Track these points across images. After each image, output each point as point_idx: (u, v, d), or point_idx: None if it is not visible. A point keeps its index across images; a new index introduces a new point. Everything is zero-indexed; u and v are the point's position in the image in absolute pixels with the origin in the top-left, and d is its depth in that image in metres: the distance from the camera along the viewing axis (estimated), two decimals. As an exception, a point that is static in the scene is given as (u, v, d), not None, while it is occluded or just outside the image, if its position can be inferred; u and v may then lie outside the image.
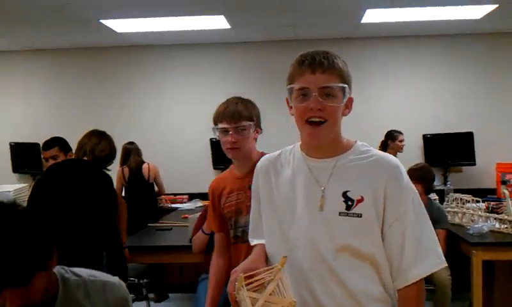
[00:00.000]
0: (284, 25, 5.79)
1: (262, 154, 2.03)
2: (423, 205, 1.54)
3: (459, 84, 6.49)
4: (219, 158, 6.07)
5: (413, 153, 6.07)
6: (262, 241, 1.68)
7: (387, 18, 5.61)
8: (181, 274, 3.96)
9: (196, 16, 5.30)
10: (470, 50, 6.48)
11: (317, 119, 1.46)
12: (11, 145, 6.50)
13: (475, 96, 6.46)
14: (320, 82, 1.45)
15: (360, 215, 1.47)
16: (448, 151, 6.27)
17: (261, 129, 2.28)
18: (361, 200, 1.48)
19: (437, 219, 4.05)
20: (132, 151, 5.71)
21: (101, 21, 5.37)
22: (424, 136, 6.38)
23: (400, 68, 6.49)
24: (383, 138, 5.96)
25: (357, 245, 1.47)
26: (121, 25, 5.62)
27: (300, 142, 1.63)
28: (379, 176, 1.49)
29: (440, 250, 1.51)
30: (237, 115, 2.14)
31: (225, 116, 2.15)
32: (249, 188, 1.84)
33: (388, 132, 5.96)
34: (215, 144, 6.37)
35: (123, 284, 1.72)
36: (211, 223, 2.43)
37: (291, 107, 1.53)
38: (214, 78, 6.65)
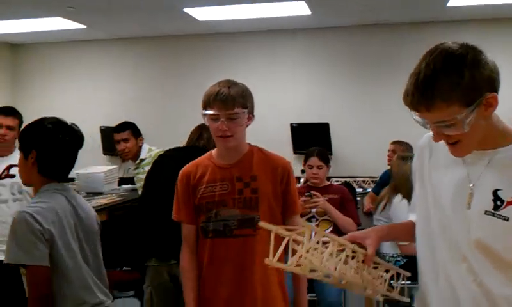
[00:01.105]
0: (366, 10, 5.70)
1: (251, 146, 2.10)
2: None
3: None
4: (300, 144, 6.11)
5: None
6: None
7: (474, 1, 5.41)
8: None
9: (276, 3, 5.33)
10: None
11: (450, 142, 1.34)
12: (101, 129, 6.87)
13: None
14: (431, 119, 1.29)
15: (507, 219, 1.30)
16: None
17: (253, 116, 2.05)
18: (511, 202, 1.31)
19: None
20: (203, 130, 5.81)
21: (184, 10, 5.54)
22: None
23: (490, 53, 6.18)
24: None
25: (499, 249, 1.33)
26: (203, 13, 5.76)
27: None
28: None
29: None
30: (231, 101, 1.92)
31: (217, 101, 1.92)
32: (238, 180, 1.98)
33: None
34: (296, 130, 6.42)
35: None
36: (181, 214, 2.09)
37: None
38: (294, 65, 6.68)
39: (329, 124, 6.19)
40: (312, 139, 5.63)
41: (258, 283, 1.98)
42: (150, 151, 4.27)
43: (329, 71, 6.59)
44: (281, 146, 6.47)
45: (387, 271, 1.56)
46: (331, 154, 5.73)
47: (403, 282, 1.62)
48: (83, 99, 7.20)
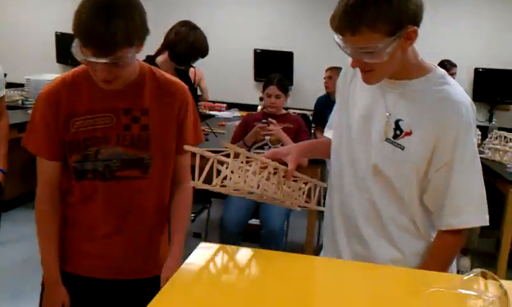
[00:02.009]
0: None
1: (143, 65, 1.63)
2: (478, 157, 1.44)
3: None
4: (262, 70, 6.00)
5: (462, 85, 5.87)
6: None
7: None
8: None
9: None
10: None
11: (363, 69, 1.38)
12: (56, 35, 6.54)
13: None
14: (353, 43, 1.30)
15: (402, 148, 1.42)
16: (497, 88, 6.02)
17: (143, 43, 1.52)
18: (409, 133, 1.41)
19: None
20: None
21: None
22: (476, 70, 6.12)
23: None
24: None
25: (390, 175, 1.45)
26: None
27: None
28: (439, 116, 1.39)
29: (485, 207, 1.44)
30: (111, 44, 1.39)
31: (90, 43, 1.39)
32: (126, 113, 1.58)
33: (441, 61, 5.72)
34: (259, 56, 6.29)
35: None
36: (41, 147, 1.60)
37: None
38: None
39: (293, 53, 6.09)
40: (274, 67, 5.54)
41: (143, 231, 1.69)
42: None
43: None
44: (242, 71, 6.42)
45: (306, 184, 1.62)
46: (292, 84, 5.66)
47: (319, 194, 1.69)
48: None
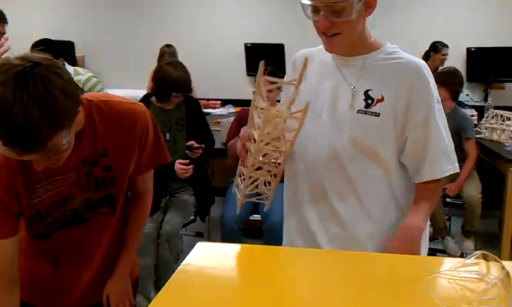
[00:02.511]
0: None
1: (88, 107, 1.40)
2: (442, 110, 1.56)
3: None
4: (254, 65, 5.96)
5: (455, 65, 5.85)
6: None
7: None
8: (212, 177, 4.01)
9: None
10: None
11: (330, 34, 1.45)
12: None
13: None
14: (325, 1, 1.37)
15: (377, 115, 1.48)
16: (491, 66, 5.99)
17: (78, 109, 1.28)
18: (381, 100, 1.49)
19: (463, 127, 3.97)
20: (165, 54, 5.69)
21: None
22: (468, 49, 6.09)
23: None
24: (427, 48, 5.73)
25: (372, 144, 1.50)
26: None
27: None
28: (404, 79, 1.49)
29: (455, 157, 1.55)
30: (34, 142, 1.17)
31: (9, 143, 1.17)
32: (84, 165, 1.43)
33: (433, 42, 5.70)
34: (249, 49, 6.27)
35: None
36: None
37: None
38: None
39: (284, 45, 6.05)
40: (266, 60, 5.45)
41: (108, 261, 1.64)
42: (77, 75, 3.58)
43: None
44: (234, 67, 6.40)
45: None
46: (284, 76, 5.63)
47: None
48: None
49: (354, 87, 1.51)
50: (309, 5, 1.42)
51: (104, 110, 1.45)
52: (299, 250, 1.55)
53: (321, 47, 1.59)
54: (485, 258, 1.16)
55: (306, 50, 1.69)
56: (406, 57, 1.53)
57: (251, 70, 6.15)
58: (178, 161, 3.38)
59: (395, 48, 1.56)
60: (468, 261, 1.16)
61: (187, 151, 3.44)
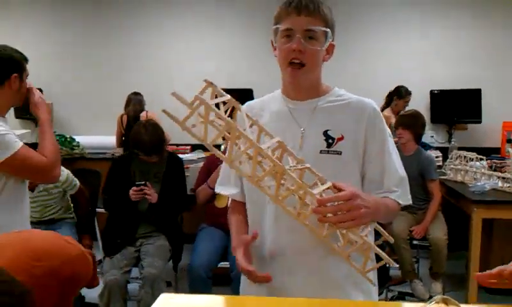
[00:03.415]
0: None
1: None
2: (394, 144, 1.64)
3: (469, 39, 6.33)
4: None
5: (419, 108, 6.01)
6: (230, 191, 1.73)
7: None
8: (181, 223, 3.98)
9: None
10: (480, 8, 6.29)
11: (298, 61, 1.50)
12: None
13: (485, 52, 6.31)
14: (304, 24, 1.48)
15: (339, 153, 1.54)
16: (454, 108, 6.17)
17: None
18: (341, 138, 1.55)
19: (426, 168, 4.06)
20: (132, 101, 5.79)
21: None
22: (432, 92, 6.27)
23: (409, 23, 6.35)
24: (391, 89, 5.84)
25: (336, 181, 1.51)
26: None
27: (281, 87, 1.68)
28: (359, 116, 1.57)
29: (407, 188, 1.62)
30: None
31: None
32: None
33: (398, 86, 5.80)
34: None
35: None
36: None
37: (275, 48, 1.58)
38: (221, 27, 6.56)
39: (252, 90, 6.13)
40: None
41: None
42: None
43: (257, 23, 6.50)
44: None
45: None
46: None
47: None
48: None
49: (303, 130, 1.56)
50: (286, 29, 1.50)
51: None
52: (268, 300, 1.53)
53: (271, 95, 1.69)
54: (445, 302, 1.17)
55: (253, 102, 1.74)
56: (355, 97, 1.62)
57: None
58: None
59: (343, 92, 1.65)
60: (429, 305, 1.17)
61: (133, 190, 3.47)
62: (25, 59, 2.37)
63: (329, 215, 1.33)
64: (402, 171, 1.60)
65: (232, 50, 6.59)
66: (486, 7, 6.26)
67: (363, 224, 1.39)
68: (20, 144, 2.18)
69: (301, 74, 1.53)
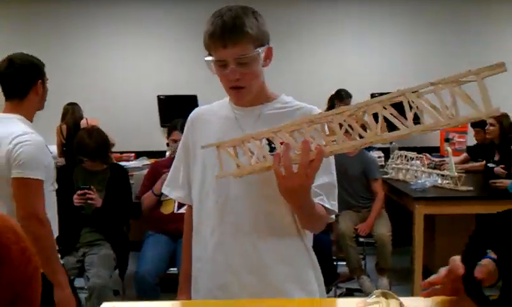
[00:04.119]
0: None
1: None
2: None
3: (408, 42, 6.55)
4: (168, 116, 5.96)
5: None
6: (176, 194, 1.73)
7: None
8: (128, 231, 3.90)
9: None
10: (423, 11, 6.52)
11: (237, 86, 1.50)
12: None
13: (425, 55, 6.54)
14: (233, 54, 1.44)
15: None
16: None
17: None
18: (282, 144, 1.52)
19: (369, 168, 4.17)
20: (69, 110, 5.74)
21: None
22: (372, 95, 6.42)
23: (348, 25, 6.51)
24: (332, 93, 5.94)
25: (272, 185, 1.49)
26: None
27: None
28: None
29: (336, 196, 1.59)
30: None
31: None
32: None
33: (338, 90, 5.90)
34: (162, 101, 6.28)
35: None
36: None
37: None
38: (161, 33, 6.49)
39: (197, 96, 6.11)
40: (179, 111, 5.48)
41: None
42: None
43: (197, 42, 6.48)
44: (148, 119, 6.36)
45: None
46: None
47: None
48: None
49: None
50: (217, 60, 1.46)
51: None
52: (216, 303, 1.52)
53: (220, 102, 1.68)
54: (385, 296, 1.19)
55: (202, 108, 1.74)
56: (302, 104, 1.62)
57: (165, 121, 6.13)
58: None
59: (290, 99, 1.64)
60: (369, 300, 1.19)
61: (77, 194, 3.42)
62: (43, 64, 2.38)
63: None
64: (329, 178, 1.57)
65: (175, 57, 6.54)
66: (422, 14, 6.51)
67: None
68: (40, 176, 2.14)
69: (244, 95, 1.53)
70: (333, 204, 1.56)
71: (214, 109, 1.70)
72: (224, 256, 1.56)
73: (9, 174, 2.12)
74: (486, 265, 1.14)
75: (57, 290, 2.21)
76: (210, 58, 1.49)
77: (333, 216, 1.61)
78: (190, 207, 1.73)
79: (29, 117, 2.31)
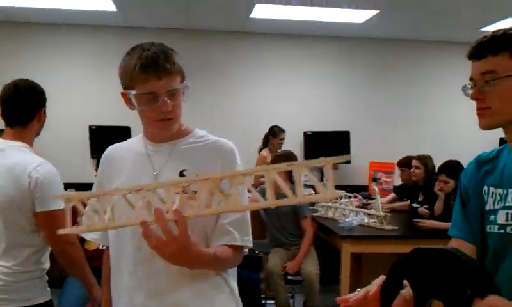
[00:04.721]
0: (176, 11, 5.66)
1: None
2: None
3: (340, 84, 6.79)
4: (98, 146, 5.82)
5: (293, 149, 6.27)
6: (92, 235, 1.70)
7: (275, 15, 5.70)
8: (51, 267, 3.73)
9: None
10: (351, 54, 6.80)
11: (167, 118, 1.50)
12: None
13: (354, 96, 6.79)
14: (166, 86, 1.45)
15: (195, 192, 1.44)
16: (326, 149, 6.49)
17: None
18: None
19: (299, 207, 4.23)
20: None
21: None
22: (305, 133, 6.57)
23: (285, 66, 6.66)
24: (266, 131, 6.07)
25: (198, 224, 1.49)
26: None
27: (143, 130, 1.65)
28: (215, 157, 1.57)
29: (249, 231, 1.59)
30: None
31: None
32: None
33: (271, 127, 6.06)
34: (94, 131, 6.14)
35: None
36: None
37: (130, 104, 1.53)
38: (95, 63, 6.38)
39: (130, 128, 6.02)
40: (112, 142, 5.37)
41: None
42: None
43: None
44: (77, 149, 6.19)
45: None
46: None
47: None
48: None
49: (156, 173, 1.54)
50: (146, 93, 1.45)
51: None
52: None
53: (134, 138, 1.68)
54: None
55: (116, 145, 1.72)
56: (215, 139, 1.63)
57: (95, 152, 5.98)
58: None
59: (204, 133, 1.65)
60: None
61: None
62: (44, 91, 2.40)
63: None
64: (240, 213, 1.56)
65: (108, 87, 6.43)
66: (349, 59, 6.78)
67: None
68: (62, 205, 2.09)
69: (172, 125, 1.54)
70: (245, 240, 1.56)
71: (128, 145, 1.68)
72: (141, 297, 1.52)
73: (31, 207, 2.15)
74: (402, 294, 1.17)
75: (94, 290, 2.48)
76: (137, 92, 1.46)
77: (246, 250, 1.61)
78: (108, 247, 1.68)
79: (31, 144, 2.31)
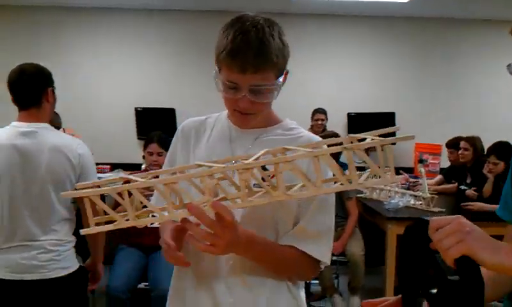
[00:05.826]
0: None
1: None
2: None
3: (384, 65, 6.66)
4: (144, 128, 5.94)
5: (337, 130, 6.23)
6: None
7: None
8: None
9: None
10: (396, 33, 6.66)
11: (245, 112, 1.34)
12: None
13: (399, 77, 6.66)
14: (251, 81, 1.27)
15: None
16: (369, 129, 6.40)
17: None
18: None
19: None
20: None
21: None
22: (349, 115, 6.51)
23: (329, 47, 6.59)
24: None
25: (268, 214, 1.36)
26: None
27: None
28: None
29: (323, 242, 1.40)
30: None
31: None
32: None
33: (315, 109, 6.06)
34: (140, 113, 6.25)
35: None
36: None
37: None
38: (140, 46, 6.46)
39: (175, 110, 6.11)
40: (157, 124, 5.50)
41: None
42: None
43: (177, 56, 6.48)
44: (124, 131, 6.31)
45: None
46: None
47: None
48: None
49: (234, 162, 1.30)
50: (229, 81, 1.28)
51: None
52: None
53: (217, 115, 1.52)
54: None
55: (196, 119, 1.55)
56: (305, 133, 1.46)
57: (142, 133, 6.10)
58: None
59: (294, 125, 1.49)
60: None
61: None
62: (51, 72, 2.46)
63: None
64: (322, 227, 1.38)
65: (154, 69, 6.52)
66: (394, 39, 6.64)
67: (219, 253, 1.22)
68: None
69: (249, 121, 1.38)
70: (322, 256, 1.37)
71: (210, 121, 1.52)
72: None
73: (75, 182, 2.31)
74: None
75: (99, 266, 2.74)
76: (220, 77, 1.31)
77: (322, 266, 1.41)
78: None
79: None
